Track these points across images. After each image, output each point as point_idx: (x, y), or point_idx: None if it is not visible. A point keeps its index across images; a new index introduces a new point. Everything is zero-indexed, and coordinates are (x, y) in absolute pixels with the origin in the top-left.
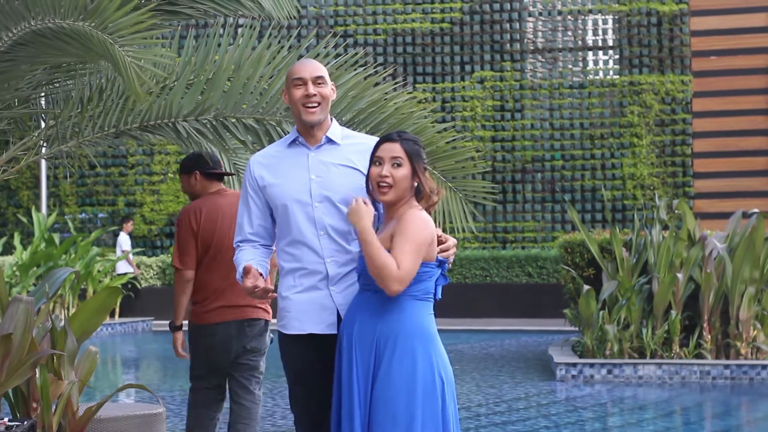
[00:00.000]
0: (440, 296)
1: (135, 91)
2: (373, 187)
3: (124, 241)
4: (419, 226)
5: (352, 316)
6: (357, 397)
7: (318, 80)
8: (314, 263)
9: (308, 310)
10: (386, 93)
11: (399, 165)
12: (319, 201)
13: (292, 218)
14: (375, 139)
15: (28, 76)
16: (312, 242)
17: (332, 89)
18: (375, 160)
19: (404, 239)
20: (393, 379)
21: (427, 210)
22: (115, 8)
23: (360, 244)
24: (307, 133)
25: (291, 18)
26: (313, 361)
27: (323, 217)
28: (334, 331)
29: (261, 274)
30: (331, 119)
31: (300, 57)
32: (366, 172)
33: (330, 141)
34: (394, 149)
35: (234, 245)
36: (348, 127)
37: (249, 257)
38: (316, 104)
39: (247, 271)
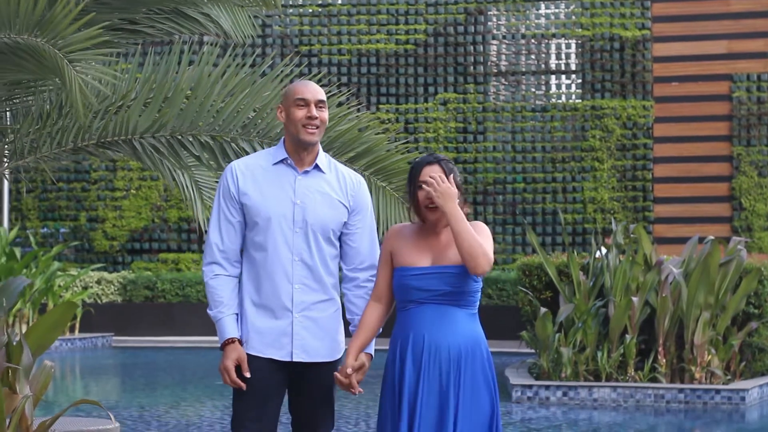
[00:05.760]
0: None
1: (77, 108)
2: (423, 209)
3: None
4: (486, 228)
5: (415, 331)
6: (420, 408)
7: (320, 104)
8: (282, 286)
9: (268, 333)
10: (341, 111)
11: None
12: (300, 227)
13: (270, 239)
14: (356, 174)
15: None
16: (285, 266)
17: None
18: (419, 184)
19: (484, 237)
20: (481, 399)
21: None
22: (67, 23)
23: (451, 225)
24: (298, 155)
25: (248, 37)
26: (269, 379)
27: (301, 244)
28: (289, 359)
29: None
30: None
31: (263, 75)
32: (348, 206)
33: (317, 168)
34: (435, 171)
35: (205, 266)
36: None
37: (233, 317)
38: (315, 127)
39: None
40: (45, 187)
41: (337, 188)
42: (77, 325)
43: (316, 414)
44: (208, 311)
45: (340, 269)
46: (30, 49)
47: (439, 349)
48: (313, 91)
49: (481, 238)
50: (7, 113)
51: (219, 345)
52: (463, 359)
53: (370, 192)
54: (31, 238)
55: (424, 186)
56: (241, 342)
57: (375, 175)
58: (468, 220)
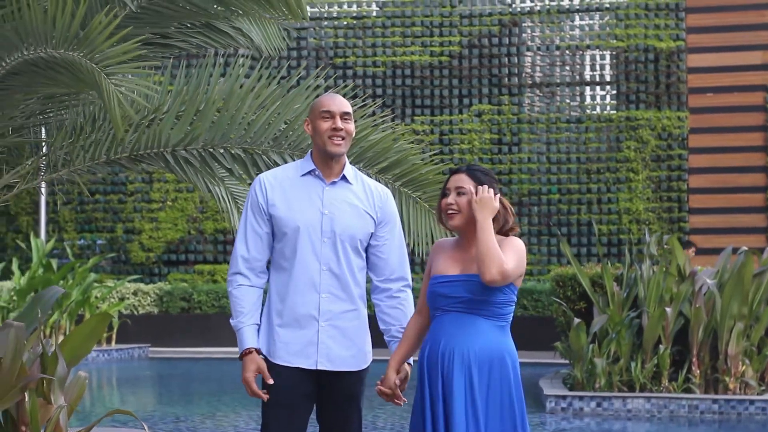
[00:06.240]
0: None
1: (115, 121)
2: (444, 215)
3: None
4: (520, 243)
5: (435, 337)
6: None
7: (345, 116)
8: (309, 295)
9: (294, 342)
10: (373, 121)
11: (463, 193)
12: (328, 237)
13: (299, 249)
14: (383, 186)
15: (21, 105)
16: (313, 275)
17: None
18: (444, 192)
19: (507, 249)
20: (499, 412)
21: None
22: (104, 38)
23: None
24: (326, 166)
25: (281, 50)
26: (297, 388)
27: (329, 254)
28: (314, 367)
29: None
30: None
31: (291, 88)
32: (375, 217)
33: (344, 179)
34: (460, 179)
35: (229, 275)
36: None
37: (253, 327)
38: (341, 138)
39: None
40: (82, 199)
41: (364, 199)
42: (114, 336)
43: (343, 423)
44: (231, 320)
45: (367, 281)
46: (67, 63)
47: (452, 355)
48: (339, 103)
49: (504, 250)
50: (42, 127)
51: (238, 355)
52: (478, 367)
53: (401, 203)
54: (68, 250)
55: (450, 190)
56: (259, 351)
57: (406, 186)
58: (508, 235)
